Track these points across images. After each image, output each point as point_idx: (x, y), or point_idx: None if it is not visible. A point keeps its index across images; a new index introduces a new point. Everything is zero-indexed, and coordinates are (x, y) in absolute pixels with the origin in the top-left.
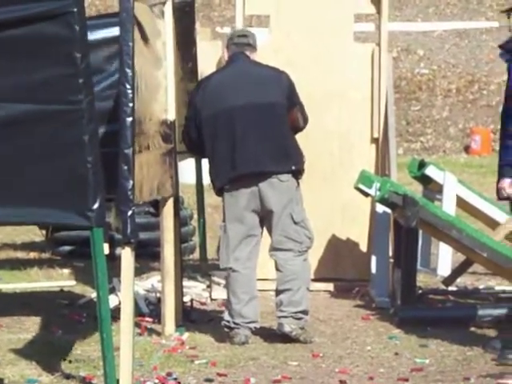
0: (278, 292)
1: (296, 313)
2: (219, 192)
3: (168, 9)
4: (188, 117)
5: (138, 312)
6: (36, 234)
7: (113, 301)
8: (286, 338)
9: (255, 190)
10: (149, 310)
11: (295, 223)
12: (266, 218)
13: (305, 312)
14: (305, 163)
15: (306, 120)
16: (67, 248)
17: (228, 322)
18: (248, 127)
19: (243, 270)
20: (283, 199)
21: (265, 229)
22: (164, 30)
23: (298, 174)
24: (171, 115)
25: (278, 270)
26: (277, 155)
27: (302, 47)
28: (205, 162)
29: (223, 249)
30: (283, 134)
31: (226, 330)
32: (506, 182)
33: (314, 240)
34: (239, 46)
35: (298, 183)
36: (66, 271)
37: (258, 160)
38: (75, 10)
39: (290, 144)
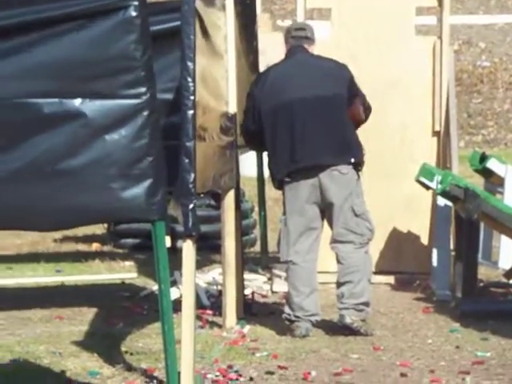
0: (339, 284)
1: (357, 304)
2: (279, 185)
3: (229, 2)
4: (247, 109)
5: (200, 305)
6: (98, 227)
7: (174, 293)
8: (347, 330)
9: (316, 182)
10: (210, 302)
11: (356, 216)
12: (326, 210)
13: (366, 304)
14: (364, 155)
15: (368, 110)
16: (129, 241)
17: (289, 315)
18: (308, 120)
19: (303, 262)
20: (344, 192)
21: (325, 222)
22: (225, 22)
23: (358, 166)
24: (232, 108)
25: (339, 262)
26: (336, 147)
27: (364, 41)
28: (265, 155)
29: (283, 242)
30: (343, 126)
31: (286, 322)
32: None
33: (375, 232)
34: (297, 39)
35: (359, 176)
36: (128, 264)
37: (317, 152)
38: (136, 3)
39: (350, 136)
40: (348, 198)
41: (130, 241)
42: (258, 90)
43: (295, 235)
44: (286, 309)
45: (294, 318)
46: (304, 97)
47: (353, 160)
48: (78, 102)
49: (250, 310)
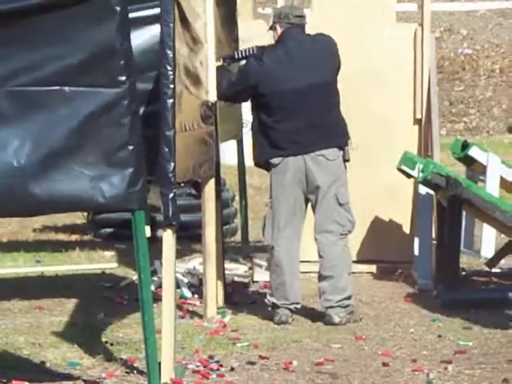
0: (321, 278)
1: (342, 300)
2: (259, 164)
3: None
4: (240, 82)
5: (180, 294)
6: (77, 217)
7: (154, 283)
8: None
9: (302, 167)
10: (191, 292)
11: (340, 205)
12: (310, 196)
13: (350, 298)
14: (348, 140)
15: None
16: (109, 230)
17: (269, 301)
18: (305, 108)
19: (286, 250)
20: (329, 178)
21: (309, 212)
22: (204, 10)
23: (344, 148)
24: (212, 96)
25: (320, 255)
26: (326, 134)
27: (344, 28)
28: (247, 143)
29: (269, 225)
30: (335, 114)
31: (269, 308)
32: None
33: (357, 222)
34: (295, 26)
35: (345, 165)
36: (108, 253)
37: (308, 140)
38: None
39: (340, 122)
40: (332, 185)
41: (110, 230)
42: (257, 69)
43: (281, 220)
44: (268, 295)
45: (274, 305)
46: (303, 87)
47: (339, 143)
48: (57, 89)
49: (231, 299)
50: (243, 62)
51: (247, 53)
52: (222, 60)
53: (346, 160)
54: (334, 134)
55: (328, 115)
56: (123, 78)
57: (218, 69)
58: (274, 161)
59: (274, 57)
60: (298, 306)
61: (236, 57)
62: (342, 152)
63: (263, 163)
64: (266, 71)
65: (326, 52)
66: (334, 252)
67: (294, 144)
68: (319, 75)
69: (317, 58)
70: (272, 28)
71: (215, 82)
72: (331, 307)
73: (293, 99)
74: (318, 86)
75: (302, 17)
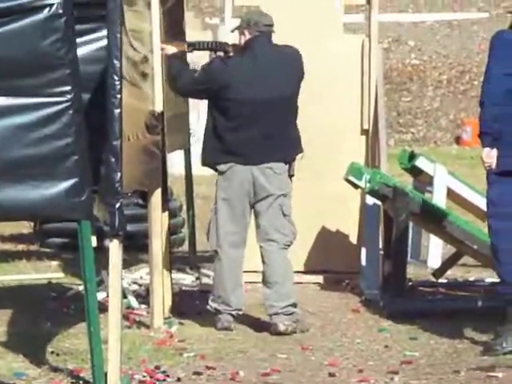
0: (265, 284)
1: (287, 307)
2: (208, 166)
3: (155, 0)
4: (203, 81)
5: (127, 304)
6: (24, 226)
7: (101, 293)
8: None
9: (250, 178)
10: (137, 302)
11: (284, 215)
12: (256, 205)
13: (295, 305)
14: (300, 154)
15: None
16: (56, 240)
17: (211, 307)
18: (263, 119)
19: (230, 256)
20: (276, 190)
21: (253, 222)
22: (150, 21)
23: (290, 163)
24: (158, 106)
25: (263, 262)
26: (278, 148)
27: (292, 39)
28: (195, 153)
29: (213, 230)
30: (292, 127)
31: (212, 311)
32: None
33: (304, 232)
34: (264, 33)
35: (291, 178)
36: (55, 263)
37: (259, 151)
38: (60, 0)
39: (294, 136)
40: (278, 198)
41: (56, 240)
42: (224, 73)
43: (225, 225)
44: (210, 300)
45: (216, 311)
46: (268, 99)
47: (289, 158)
48: (1, 99)
49: (178, 309)
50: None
51: (213, 46)
52: (186, 46)
53: (290, 175)
54: (285, 149)
55: (284, 129)
56: (68, 88)
57: (172, 57)
58: (222, 167)
59: (241, 63)
60: (240, 312)
61: (197, 46)
62: (287, 166)
63: (211, 166)
64: (232, 76)
65: (291, 65)
66: (277, 259)
67: (245, 154)
68: (283, 88)
69: (282, 70)
70: (239, 32)
71: (161, 93)
72: (276, 314)
73: (253, 109)
74: (280, 99)
75: (271, 25)
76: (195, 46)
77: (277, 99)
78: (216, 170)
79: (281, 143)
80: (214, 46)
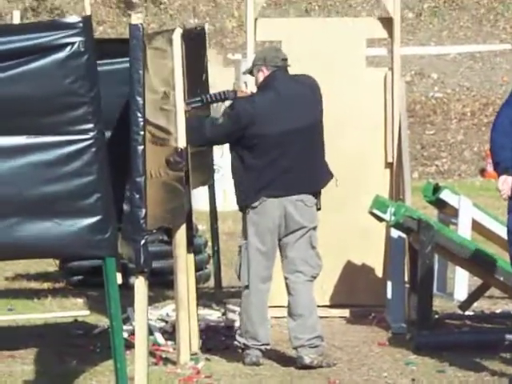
0: (291, 316)
1: (312, 339)
2: (244, 208)
3: (177, 36)
4: (230, 124)
5: (153, 341)
6: (50, 264)
7: (127, 331)
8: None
9: (282, 211)
10: (164, 338)
11: (312, 248)
12: (285, 238)
13: (320, 338)
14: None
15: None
16: (81, 278)
17: (239, 342)
18: (292, 151)
19: (260, 289)
20: (307, 222)
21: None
22: (172, 57)
23: (318, 196)
24: (182, 142)
25: (289, 293)
26: (308, 179)
27: (314, 73)
28: (218, 188)
29: (244, 266)
30: (320, 155)
31: (238, 350)
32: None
33: (330, 266)
34: (281, 68)
35: (319, 209)
36: (80, 301)
37: (290, 183)
38: (83, 39)
39: (324, 163)
40: (309, 231)
41: (82, 278)
42: (248, 113)
43: (257, 261)
44: (237, 336)
45: (244, 347)
46: (293, 127)
47: (320, 187)
48: (23, 138)
49: (205, 345)
50: (220, 105)
51: (219, 96)
52: (187, 104)
53: (318, 209)
54: (317, 177)
55: (314, 157)
56: (91, 126)
57: (186, 114)
58: (254, 203)
59: (266, 99)
60: (268, 347)
61: (204, 100)
62: (316, 200)
63: (247, 205)
64: (259, 113)
65: (312, 93)
66: (303, 291)
67: (276, 187)
68: (309, 117)
69: (305, 99)
70: (253, 71)
71: (184, 129)
72: (301, 346)
73: (282, 141)
74: (307, 128)
75: (286, 59)
76: (203, 102)
77: (304, 128)
78: (247, 207)
79: (312, 172)
80: (223, 97)
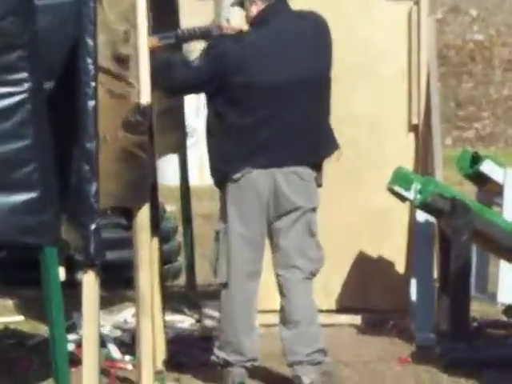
0: (285, 323)
1: (312, 354)
2: (222, 182)
3: None
4: (211, 68)
5: (106, 355)
6: None
7: (72, 341)
8: None
9: (271, 186)
10: (120, 352)
11: (311, 235)
12: (277, 222)
13: (323, 352)
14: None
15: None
16: (14, 273)
17: (218, 357)
18: (293, 108)
19: (246, 288)
20: (304, 203)
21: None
22: None
23: (321, 167)
24: (145, 98)
25: (282, 295)
26: (307, 147)
27: (320, 7)
28: (193, 158)
29: (222, 258)
30: (326, 117)
31: (218, 368)
32: None
33: (337, 260)
34: (281, 1)
35: (320, 185)
36: (11, 303)
37: (285, 150)
38: None
39: (329, 129)
40: (306, 213)
41: (11, 272)
42: (233, 55)
43: (239, 251)
44: (216, 349)
45: (224, 363)
46: (295, 77)
47: (320, 159)
48: None
49: (174, 361)
50: (198, 43)
51: (199, 32)
52: (158, 39)
53: (319, 185)
54: (318, 146)
55: (316, 119)
56: (25, 76)
57: (154, 52)
58: (235, 175)
59: (259, 39)
60: (256, 364)
61: (180, 36)
62: (316, 173)
63: (225, 177)
64: (249, 56)
65: (320, 36)
66: (300, 292)
67: (265, 154)
68: (314, 65)
69: (310, 43)
70: (245, 3)
71: (149, 78)
72: (299, 363)
73: (277, 96)
74: (310, 80)
75: None
76: (178, 38)
77: (307, 80)
78: (226, 180)
79: (312, 138)
80: (204, 32)
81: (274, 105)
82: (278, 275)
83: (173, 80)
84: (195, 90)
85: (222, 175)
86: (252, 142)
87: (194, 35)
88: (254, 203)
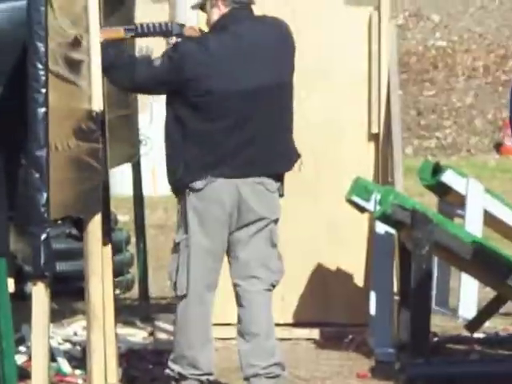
0: (243, 336)
1: (269, 367)
2: (181, 190)
3: None
4: (170, 70)
5: (56, 369)
6: None
7: (21, 355)
8: None
9: (235, 196)
10: (70, 366)
11: (272, 246)
12: (237, 233)
13: (280, 365)
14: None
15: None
16: None
17: (172, 371)
18: (255, 117)
19: (204, 299)
20: (267, 214)
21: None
22: None
23: (283, 178)
24: (97, 105)
25: (240, 305)
26: (271, 157)
27: (281, 12)
28: (146, 167)
29: (183, 269)
30: (290, 126)
31: (172, 381)
32: None
33: (295, 273)
34: (245, 5)
35: (281, 195)
36: None
37: (249, 160)
38: None
39: (291, 139)
40: (269, 224)
41: None
42: (195, 59)
43: (200, 262)
44: (171, 362)
45: (179, 377)
46: (256, 85)
47: (285, 169)
48: None
49: (126, 375)
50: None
51: (159, 29)
52: (124, 31)
53: (280, 195)
54: (282, 157)
55: (280, 129)
56: None
57: (109, 46)
58: (197, 184)
59: (221, 43)
60: (212, 378)
61: (139, 30)
62: (279, 184)
63: (184, 187)
64: (212, 60)
65: (283, 43)
66: (260, 303)
67: (229, 163)
68: (276, 73)
69: (273, 49)
70: (206, 6)
71: (101, 86)
72: (256, 376)
73: (240, 103)
74: (273, 88)
75: None
76: (138, 31)
77: (270, 87)
78: (186, 189)
79: (276, 148)
80: (164, 29)
81: (236, 113)
82: (236, 285)
83: (132, 76)
84: (152, 90)
85: (181, 184)
86: (215, 151)
87: (153, 31)
88: (216, 214)
